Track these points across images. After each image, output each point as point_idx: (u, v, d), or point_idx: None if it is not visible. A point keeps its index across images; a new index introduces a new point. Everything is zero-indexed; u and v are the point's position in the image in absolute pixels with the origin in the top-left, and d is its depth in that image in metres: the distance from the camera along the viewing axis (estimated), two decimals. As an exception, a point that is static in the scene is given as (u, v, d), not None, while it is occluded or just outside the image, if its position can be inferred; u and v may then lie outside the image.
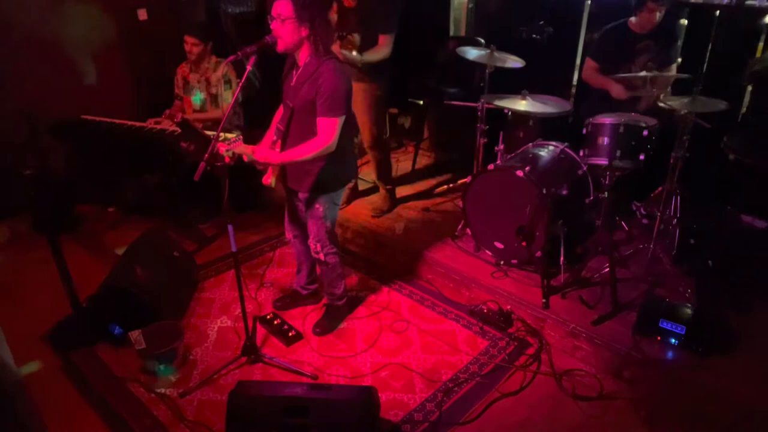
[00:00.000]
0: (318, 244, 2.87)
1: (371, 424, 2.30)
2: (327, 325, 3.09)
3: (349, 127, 2.70)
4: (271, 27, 2.46)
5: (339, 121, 2.52)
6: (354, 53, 3.35)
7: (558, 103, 3.63)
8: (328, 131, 2.51)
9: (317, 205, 2.76)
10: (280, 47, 2.49)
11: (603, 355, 2.79)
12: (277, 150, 2.65)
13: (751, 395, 2.47)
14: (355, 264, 3.72)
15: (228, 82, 3.97)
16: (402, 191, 4.31)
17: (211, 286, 3.51)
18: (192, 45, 3.94)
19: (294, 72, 2.63)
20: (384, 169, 4.02)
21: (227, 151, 2.48)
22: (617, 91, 3.55)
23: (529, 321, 3.06)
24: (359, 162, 4.64)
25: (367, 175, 4.56)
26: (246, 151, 2.55)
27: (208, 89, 4.05)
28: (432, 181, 4.54)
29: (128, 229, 4.04)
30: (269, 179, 2.69)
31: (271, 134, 2.77)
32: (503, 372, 2.79)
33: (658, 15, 3.43)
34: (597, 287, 3.12)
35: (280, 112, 2.81)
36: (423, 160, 4.86)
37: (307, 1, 2.42)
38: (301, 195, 2.80)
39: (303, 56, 2.55)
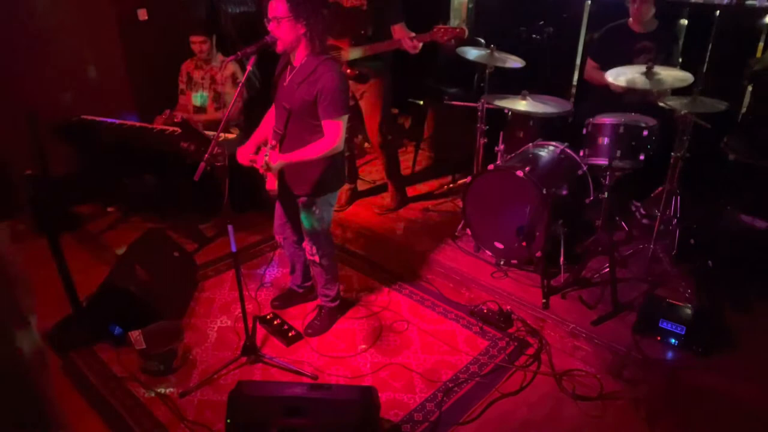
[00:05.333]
0: (314, 247, 2.86)
1: (371, 424, 2.30)
2: (319, 326, 3.08)
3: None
4: (269, 28, 2.44)
5: (344, 122, 2.52)
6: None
7: (558, 103, 3.63)
8: (334, 132, 2.51)
9: (314, 207, 2.74)
10: (280, 47, 2.48)
11: (603, 355, 2.79)
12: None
13: (752, 395, 2.47)
14: (355, 264, 3.71)
15: (236, 81, 3.97)
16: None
17: (211, 286, 3.50)
18: (200, 43, 3.95)
19: (288, 72, 2.59)
20: (393, 167, 4.03)
21: (265, 165, 2.48)
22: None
23: (529, 321, 3.06)
24: (359, 162, 4.64)
25: (367, 174, 4.57)
26: (268, 161, 2.54)
27: (213, 87, 4.04)
28: (432, 181, 4.54)
29: (128, 229, 4.04)
30: (273, 185, 2.67)
31: (259, 137, 2.75)
32: (503, 372, 2.79)
33: (644, 8, 3.43)
34: (597, 287, 3.12)
35: (271, 114, 2.77)
36: (423, 160, 4.86)
37: None
38: (299, 198, 2.76)
39: (299, 55, 2.53)
